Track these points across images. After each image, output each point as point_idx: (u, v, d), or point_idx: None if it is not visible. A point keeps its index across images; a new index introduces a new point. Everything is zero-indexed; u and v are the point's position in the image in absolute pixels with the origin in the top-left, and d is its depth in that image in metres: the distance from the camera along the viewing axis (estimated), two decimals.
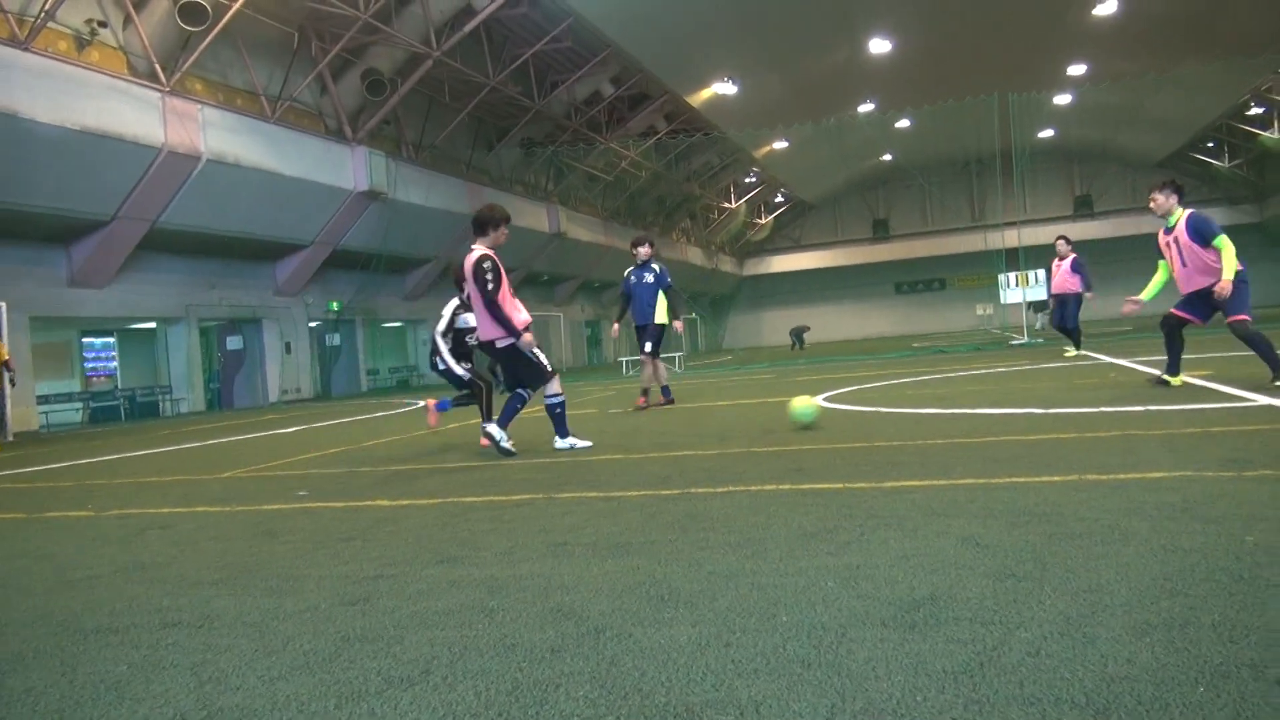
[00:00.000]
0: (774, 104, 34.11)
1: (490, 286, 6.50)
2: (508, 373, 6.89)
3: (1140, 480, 3.73)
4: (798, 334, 39.49)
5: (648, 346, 10.64)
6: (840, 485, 4.22)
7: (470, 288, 6.66)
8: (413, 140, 26.60)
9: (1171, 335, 7.83)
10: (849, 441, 5.89)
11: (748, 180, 48.49)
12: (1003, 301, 24.00)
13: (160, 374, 22.77)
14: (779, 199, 53.83)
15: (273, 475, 6.78)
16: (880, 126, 40.26)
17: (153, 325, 22.69)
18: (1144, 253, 56.79)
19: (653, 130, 34.67)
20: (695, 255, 48.34)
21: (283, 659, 2.34)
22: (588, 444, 6.80)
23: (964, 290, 53.42)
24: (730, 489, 4.39)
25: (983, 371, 11.96)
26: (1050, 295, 14.80)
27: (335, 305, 26.10)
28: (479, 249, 6.69)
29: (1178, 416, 5.68)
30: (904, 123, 39.79)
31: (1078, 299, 13.96)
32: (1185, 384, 7.57)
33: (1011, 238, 28.28)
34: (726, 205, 49.49)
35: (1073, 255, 14.12)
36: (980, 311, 44.17)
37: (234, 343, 24.10)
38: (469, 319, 7.85)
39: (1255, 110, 39.82)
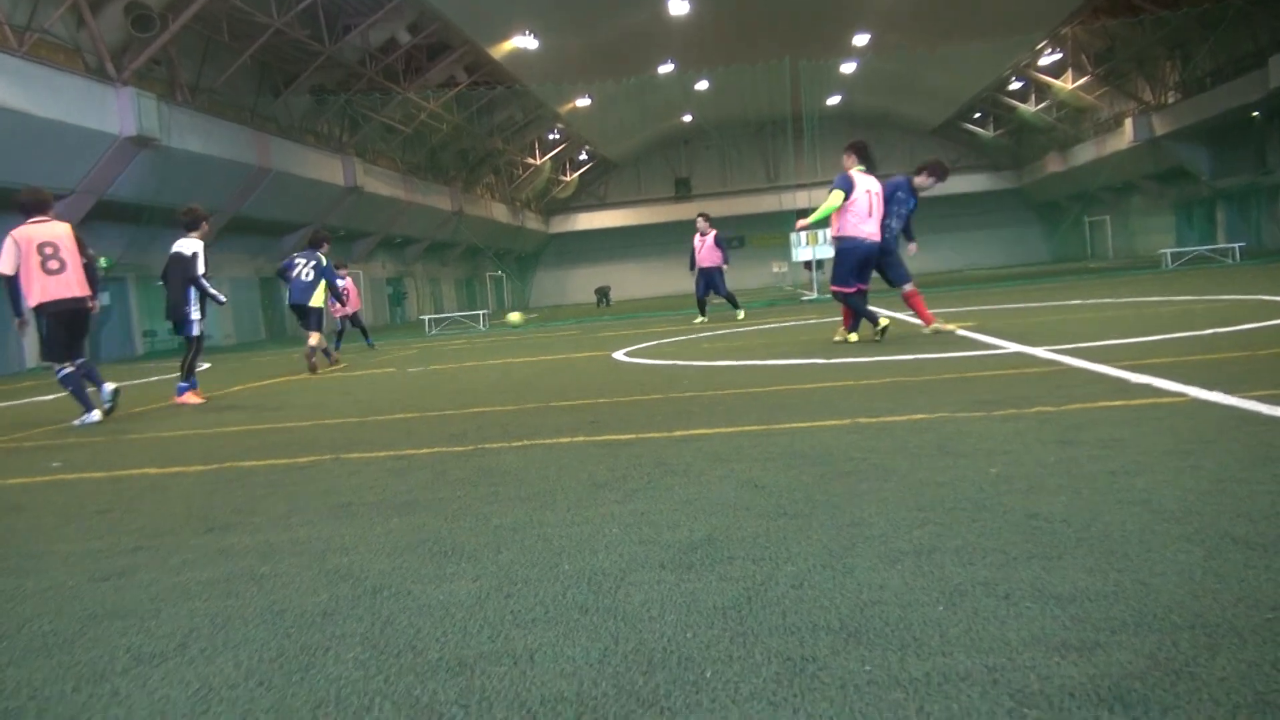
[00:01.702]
0: (576, 60, 33.89)
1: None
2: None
3: (904, 422, 4.01)
4: (603, 292, 39.95)
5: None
6: (633, 436, 4.29)
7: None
8: (189, 83, 24.51)
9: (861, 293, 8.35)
10: (645, 394, 6.00)
11: (552, 137, 48.07)
12: (794, 259, 25.11)
13: None
14: (583, 156, 53.76)
15: (23, 446, 6.15)
16: (680, 87, 40.91)
17: None
18: (925, 213, 60.95)
19: (453, 81, 33.64)
20: (500, 212, 47.59)
21: (16, 643, 2.12)
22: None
23: (761, 249, 55.46)
24: (525, 443, 4.37)
25: (775, 325, 12.51)
26: (696, 269, 16.15)
27: (104, 261, 23.86)
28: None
29: (939, 364, 6.14)
30: (702, 84, 40.61)
31: (720, 271, 15.92)
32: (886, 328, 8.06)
33: (803, 198, 29.61)
34: (531, 161, 48.93)
35: (713, 231, 16.03)
36: (776, 269, 46.07)
37: None
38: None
39: (1016, 85, 43.41)
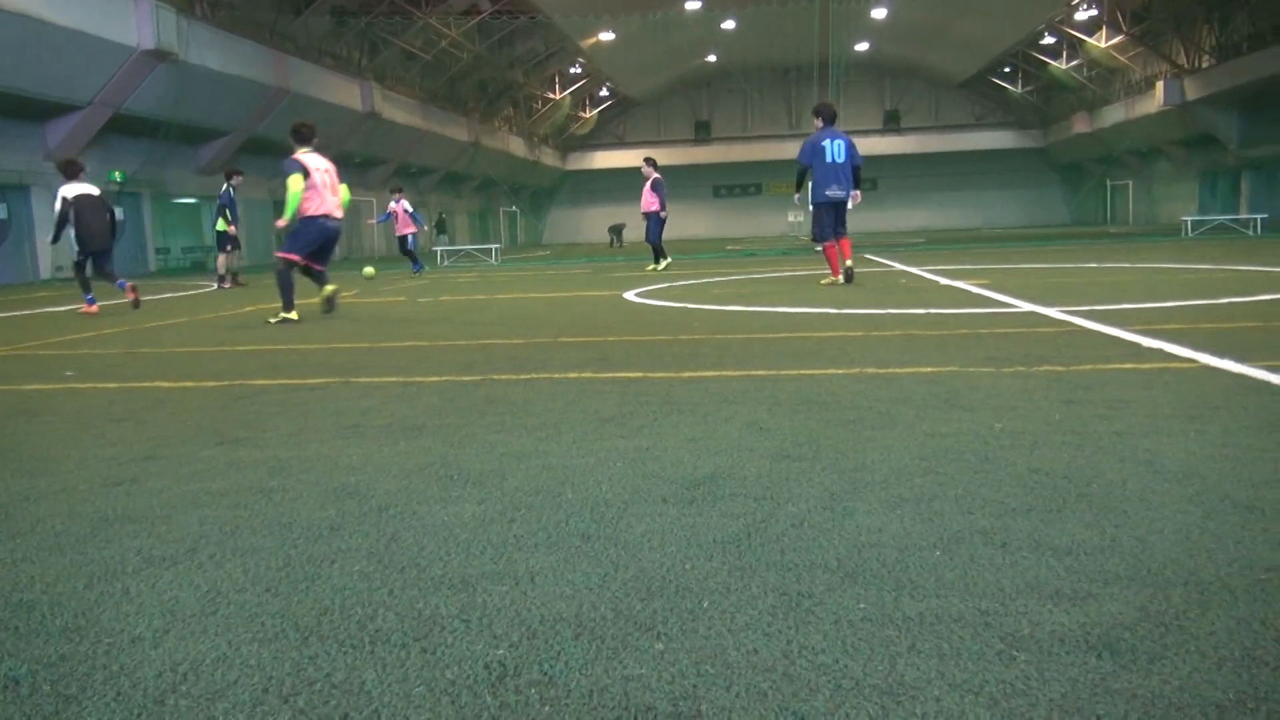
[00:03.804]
0: None
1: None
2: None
3: (912, 374, 4.01)
4: (616, 231, 39.62)
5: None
6: (640, 374, 4.30)
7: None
8: None
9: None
10: (654, 334, 6.01)
11: (573, 72, 47.37)
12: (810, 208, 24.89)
13: None
14: (604, 93, 53.02)
15: (37, 354, 6.21)
16: (705, 25, 40.15)
17: None
18: (946, 169, 59.71)
19: (476, 9, 33.08)
20: (517, 146, 47.12)
21: (29, 541, 2.16)
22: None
23: (778, 196, 54.94)
24: (533, 376, 4.39)
25: (788, 274, 12.45)
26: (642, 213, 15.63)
27: (118, 175, 23.76)
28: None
29: (953, 319, 6.12)
30: (729, 24, 39.84)
31: (657, 218, 15.06)
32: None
33: None
34: (551, 96, 48.30)
35: (655, 176, 15.19)
36: (791, 218, 45.72)
37: None
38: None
39: (1048, 40, 42.45)
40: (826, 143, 9.77)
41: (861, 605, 1.62)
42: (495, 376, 4.41)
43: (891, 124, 54.61)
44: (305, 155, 7.92)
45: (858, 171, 9.90)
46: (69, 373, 5.17)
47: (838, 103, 45.50)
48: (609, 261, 20.45)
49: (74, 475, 2.78)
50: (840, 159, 9.77)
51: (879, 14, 38.90)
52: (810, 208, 10.06)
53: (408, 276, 16.48)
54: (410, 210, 18.00)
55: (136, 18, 20.45)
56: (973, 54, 46.16)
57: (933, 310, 6.72)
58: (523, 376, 4.38)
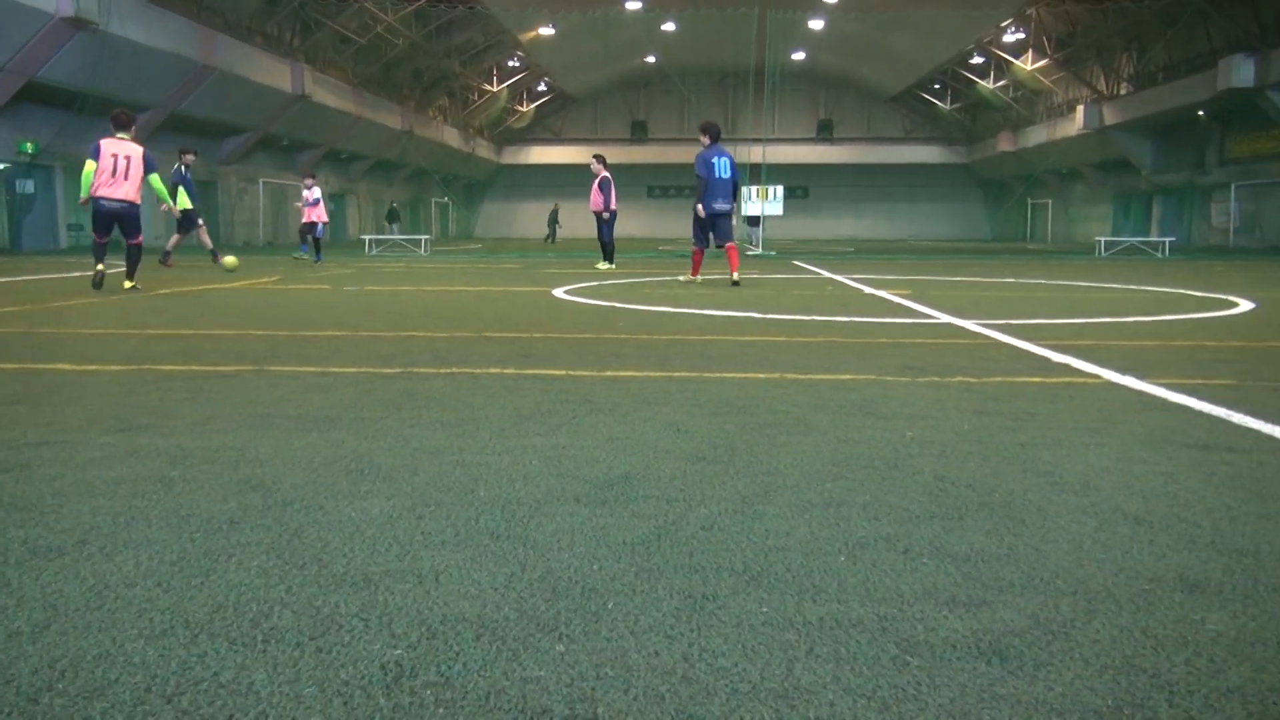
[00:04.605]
0: None
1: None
2: None
3: (831, 381, 4.08)
4: (553, 217, 37.83)
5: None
6: (563, 372, 4.29)
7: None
8: None
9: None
10: (580, 332, 5.99)
11: (511, 64, 46.99)
12: (743, 214, 25.12)
13: None
14: (541, 88, 52.72)
15: None
16: (645, 25, 40.22)
17: None
18: (876, 180, 60.69)
19: None
20: (452, 136, 46.54)
21: None
22: None
23: None
24: (454, 370, 4.34)
25: (717, 277, 12.54)
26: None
27: (29, 146, 22.77)
28: None
29: (875, 328, 6.24)
30: (669, 25, 39.97)
31: (599, 216, 14.94)
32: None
33: (758, 153, 29.51)
34: (488, 88, 47.82)
35: (603, 174, 14.99)
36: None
37: None
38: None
39: (977, 60, 43.63)
40: (715, 159, 10.85)
41: (764, 609, 1.64)
42: (415, 370, 4.35)
43: (825, 133, 55.44)
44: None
45: (736, 186, 11.24)
46: None
47: (773, 110, 46.11)
48: (541, 257, 20.34)
49: None
50: (725, 175, 10.94)
51: (815, 25, 39.47)
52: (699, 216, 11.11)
53: (309, 265, 16.08)
54: (318, 198, 17.66)
55: None
56: (905, 69, 47.18)
57: (855, 318, 6.84)
58: (443, 370, 4.33)
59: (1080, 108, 36.89)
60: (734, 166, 11.10)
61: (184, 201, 13.87)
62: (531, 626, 1.56)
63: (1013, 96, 44.40)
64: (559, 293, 9.49)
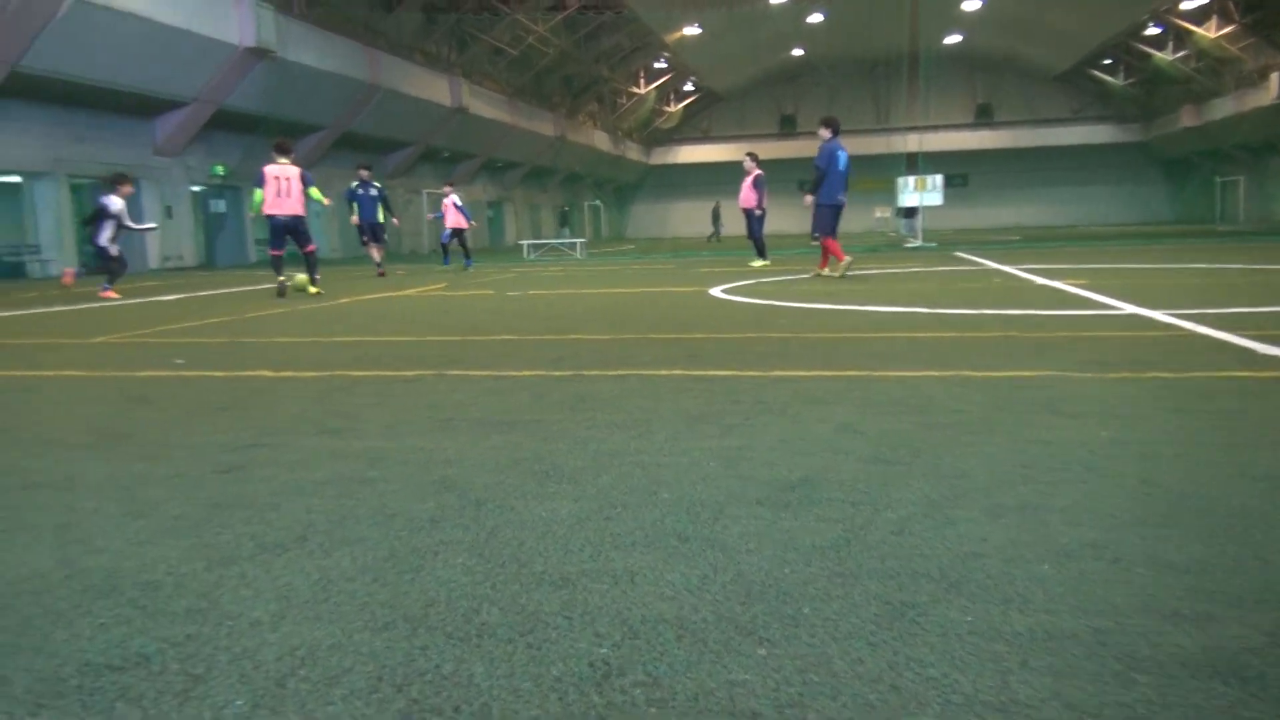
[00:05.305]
0: None
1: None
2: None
3: (1011, 378, 3.91)
4: (715, 214, 37.07)
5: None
6: (730, 372, 4.29)
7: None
8: None
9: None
10: (743, 332, 5.98)
11: (658, 66, 47.40)
12: (900, 205, 24.43)
13: (27, 233, 21.30)
14: (688, 88, 52.91)
15: (149, 342, 6.49)
16: (792, 19, 39.70)
17: (17, 180, 21.07)
18: (1040, 165, 57.86)
19: (562, 4, 33.35)
20: (602, 140, 47.39)
21: (150, 523, 2.27)
22: None
23: (864, 193, 54.01)
24: (622, 372, 4.42)
25: (875, 271, 12.25)
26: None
27: (220, 169, 24.70)
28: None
29: (1052, 321, 5.94)
30: (816, 17, 39.33)
31: (752, 214, 14.85)
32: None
33: (913, 142, 28.62)
34: (635, 90, 48.41)
35: (756, 172, 14.82)
36: (878, 214, 44.89)
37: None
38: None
39: (1153, 30, 40.76)
40: (839, 153, 11.18)
41: (968, 618, 1.59)
42: (585, 372, 4.45)
43: (983, 118, 53.16)
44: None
45: (847, 180, 11.52)
46: (179, 361, 5.40)
47: (928, 96, 44.54)
48: (694, 257, 20.42)
49: (185, 461, 2.90)
50: (843, 169, 11.23)
51: (970, 6, 37.91)
52: (818, 207, 11.22)
53: (450, 272, 16.64)
54: (460, 205, 18.21)
55: (238, 16, 21.20)
56: (1069, 45, 44.59)
57: (1030, 311, 6.53)
58: (611, 373, 4.41)
59: (1275, 75, 33.86)
60: (849, 161, 11.42)
61: (357, 213, 15.60)
62: (730, 629, 1.57)
63: (1194, 68, 41.18)
64: (716, 292, 9.50)
